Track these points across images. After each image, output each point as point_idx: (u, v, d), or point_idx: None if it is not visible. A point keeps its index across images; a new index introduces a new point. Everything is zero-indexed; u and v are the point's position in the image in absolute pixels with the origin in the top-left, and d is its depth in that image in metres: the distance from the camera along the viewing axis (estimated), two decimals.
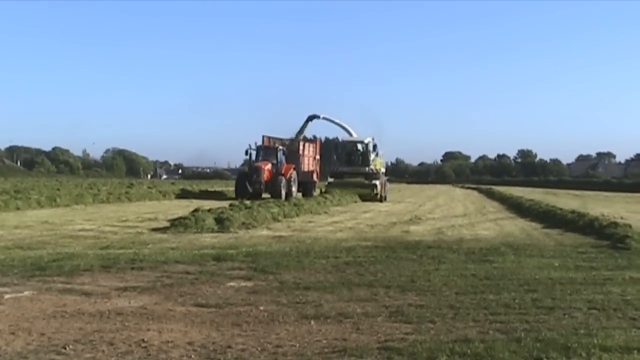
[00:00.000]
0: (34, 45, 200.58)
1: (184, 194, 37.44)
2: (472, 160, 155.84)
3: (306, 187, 37.11)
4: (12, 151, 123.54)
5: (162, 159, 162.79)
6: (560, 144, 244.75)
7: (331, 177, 37.74)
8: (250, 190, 32.48)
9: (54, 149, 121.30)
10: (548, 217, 21.41)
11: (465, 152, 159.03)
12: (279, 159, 34.78)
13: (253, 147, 35.56)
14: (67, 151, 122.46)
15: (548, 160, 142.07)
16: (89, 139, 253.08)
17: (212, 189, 44.74)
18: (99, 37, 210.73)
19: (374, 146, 37.54)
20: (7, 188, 34.24)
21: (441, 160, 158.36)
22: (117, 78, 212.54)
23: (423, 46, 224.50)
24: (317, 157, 40.71)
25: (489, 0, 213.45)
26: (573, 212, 21.21)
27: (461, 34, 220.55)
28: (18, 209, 22.64)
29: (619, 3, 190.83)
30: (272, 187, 33.03)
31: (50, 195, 27.24)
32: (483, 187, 70.45)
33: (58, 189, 34.09)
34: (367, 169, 36.60)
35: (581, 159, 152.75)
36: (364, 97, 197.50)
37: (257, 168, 33.54)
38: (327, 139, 43.18)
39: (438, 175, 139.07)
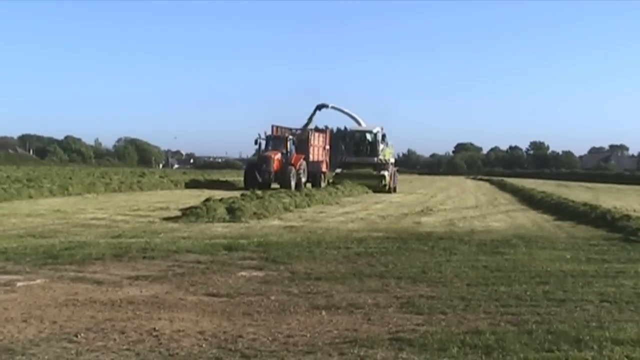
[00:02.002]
0: (47, 35, 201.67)
1: (192, 184, 37.42)
2: (484, 151, 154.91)
3: (315, 177, 36.91)
4: (25, 140, 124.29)
5: (173, 149, 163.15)
6: (572, 136, 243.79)
7: (339, 167, 37.23)
8: (260, 180, 32.33)
9: (66, 137, 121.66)
10: (560, 210, 21.31)
11: (477, 143, 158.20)
12: (288, 149, 34.64)
13: (262, 136, 35.39)
14: (79, 140, 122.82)
15: (560, 153, 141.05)
16: (101, 128, 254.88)
17: (224, 179, 44.79)
18: (112, 26, 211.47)
19: (383, 136, 36.85)
20: (19, 176, 34.48)
21: (453, 152, 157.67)
22: (130, 67, 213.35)
23: (435, 37, 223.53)
24: (327, 147, 40.47)
25: None
26: (585, 204, 21.11)
27: (473, 26, 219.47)
28: (31, 197, 22.78)
29: None
30: (282, 177, 32.91)
31: (62, 184, 27.40)
32: (495, 178, 70.17)
33: (70, 178, 34.28)
34: (375, 159, 35.95)
35: (593, 151, 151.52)
36: (376, 87, 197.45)
37: (267, 158, 33.38)
38: (338, 130, 42.97)
39: (449, 166, 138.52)
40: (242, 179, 35.88)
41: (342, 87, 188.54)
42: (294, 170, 33.45)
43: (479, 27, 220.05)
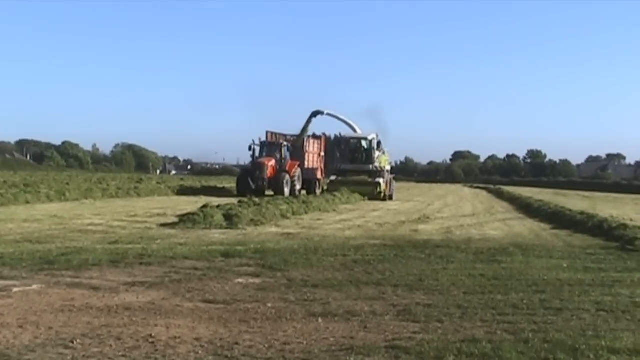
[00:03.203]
0: (45, 40, 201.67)
1: (183, 191, 37.00)
2: (482, 160, 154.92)
3: (310, 184, 36.75)
4: (22, 145, 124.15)
5: (171, 155, 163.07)
6: (570, 145, 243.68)
7: (334, 174, 36.96)
8: (253, 186, 32.23)
9: (64, 143, 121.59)
10: (557, 218, 21.31)
11: (474, 151, 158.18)
12: (283, 155, 34.51)
13: (257, 143, 35.29)
14: (76, 146, 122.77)
15: (557, 161, 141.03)
16: (99, 133, 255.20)
17: (221, 186, 44.75)
18: (109, 32, 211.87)
19: (379, 143, 36.40)
20: (17, 182, 34.52)
21: (450, 160, 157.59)
22: (128, 73, 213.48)
23: (434, 45, 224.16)
24: (322, 154, 40.24)
25: None
26: (582, 213, 21.12)
27: (471, 33, 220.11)
28: (27, 202, 22.78)
29: (632, 3, 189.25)
30: (276, 184, 32.73)
31: (59, 190, 27.41)
32: (492, 187, 70.21)
33: (67, 184, 34.27)
34: (371, 166, 35.69)
35: (591, 160, 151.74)
36: (373, 95, 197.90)
37: (261, 164, 33.23)
38: (335, 137, 42.73)
39: (447, 174, 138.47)
40: None
41: (340, 94, 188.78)
42: (288, 177, 33.28)
43: (475, 35, 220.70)
